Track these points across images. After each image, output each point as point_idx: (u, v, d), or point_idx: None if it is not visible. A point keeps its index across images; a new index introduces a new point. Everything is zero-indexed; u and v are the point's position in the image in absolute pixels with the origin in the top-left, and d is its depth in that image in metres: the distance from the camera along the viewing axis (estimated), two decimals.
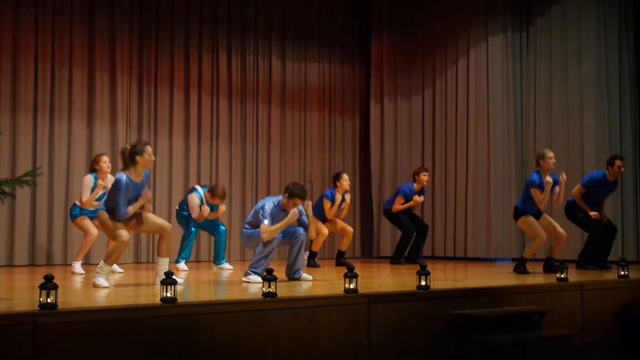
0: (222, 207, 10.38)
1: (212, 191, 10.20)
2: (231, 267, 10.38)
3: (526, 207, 9.09)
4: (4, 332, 4.73)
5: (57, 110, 11.21)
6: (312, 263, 10.58)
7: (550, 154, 9.09)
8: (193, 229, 10.33)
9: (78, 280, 8.30)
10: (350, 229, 11.19)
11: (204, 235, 11.85)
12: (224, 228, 10.55)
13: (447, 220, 13.04)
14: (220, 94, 12.69)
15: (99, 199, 9.32)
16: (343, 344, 6.08)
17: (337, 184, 10.99)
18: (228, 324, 5.59)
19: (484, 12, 12.70)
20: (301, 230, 8.05)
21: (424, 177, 11.51)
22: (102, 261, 7.23)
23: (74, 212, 9.46)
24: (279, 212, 7.94)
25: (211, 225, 10.46)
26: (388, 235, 13.46)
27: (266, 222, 7.76)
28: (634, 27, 11.38)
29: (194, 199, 10.22)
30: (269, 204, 7.92)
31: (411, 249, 11.61)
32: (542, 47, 12.09)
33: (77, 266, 9.34)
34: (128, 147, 7.45)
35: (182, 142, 12.29)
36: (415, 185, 11.47)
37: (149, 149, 7.38)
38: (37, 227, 11.00)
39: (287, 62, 13.45)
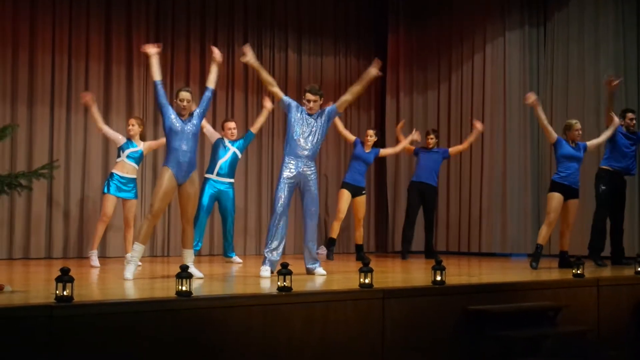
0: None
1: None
2: (240, 260, 10.42)
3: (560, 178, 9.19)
4: (20, 324, 4.75)
5: (73, 103, 11.25)
6: (329, 255, 10.67)
7: (578, 125, 9.43)
8: (204, 211, 10.22)
9: (94, 273, 8.34)
10: (360, 216, 11.18)
11: (217, 229, 11.85)
12: (233, 211, 10.53)
13: (462, 215, 13.00)
14: (236, 87, 12.69)
15: (132, 158, 9.47)
16: (357, 338, 6.08)
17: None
18: (243, 317, 5.60)
19: (500, 7, 12.64)
20: (315, 206, 8.11)
21: (430, 140, 11.65)
22: (135, 243, 7.33)
23: (106, 183, 9.51)
24: (304, 116, 8.14)
25: (224, 198, 10.40)
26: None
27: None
28: None
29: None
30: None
31: (425, 246, 11.68)
32: (559, 42, 12.02)
33: (94, 257, 9.35)
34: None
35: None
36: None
37: (180, 93, 7.55)
38: (54, 219, 11.06)
39: (304, 55, 13.44)
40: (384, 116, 14.07)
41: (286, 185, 7.96)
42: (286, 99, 8.17)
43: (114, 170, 9.54)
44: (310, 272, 8.08)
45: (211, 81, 7.75)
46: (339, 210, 10.92)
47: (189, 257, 7.49)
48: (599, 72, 11.42)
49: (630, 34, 11.25)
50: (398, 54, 13.92)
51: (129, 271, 7.19)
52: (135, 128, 9.56)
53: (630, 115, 9.94)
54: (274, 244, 7.88)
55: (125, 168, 9.52)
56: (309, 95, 8.10)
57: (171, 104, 7.56)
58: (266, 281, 7.27)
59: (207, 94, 7.68)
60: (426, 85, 13.70)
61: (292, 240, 12.75)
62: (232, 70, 12.68)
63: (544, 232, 9.18)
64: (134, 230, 9.43)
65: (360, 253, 11.09)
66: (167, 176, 7.37)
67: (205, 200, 10.26)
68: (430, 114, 13.60)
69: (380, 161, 13.96)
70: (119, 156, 9.56)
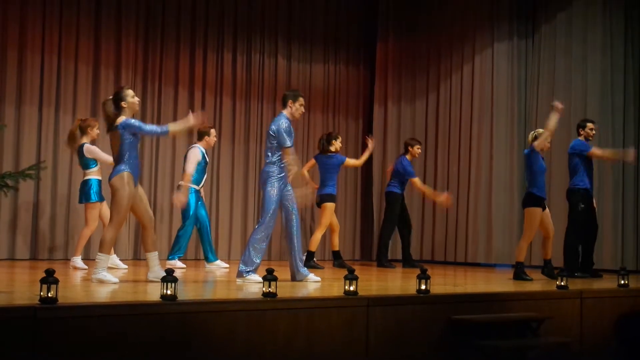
0: None
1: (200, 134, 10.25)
2: (227, 265, 10.36)
3: (539, 191, 9.09)
4: (4, 326, 4.73)
5: (62, 105, 11.24)
6: (312, 264, 10.47)
7: (591, 125, 9.76)
8: (191, 216, 10.11)
9: (79, 275, 8.32)
10: (337, 222, 11.16)
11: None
12: (208, 219, 10.47)
13: (449, 224, 13.02)
14: (224, 92, 12.70)
15: (95, 163, 9.37)
16: (341, 346, 6.09)
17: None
18: (227, 322, 5.59)
19: (489, 18, 12.69)
20: (296, 210, 8.00)
21: (418, 150, 11.50)
22: (99, 253, 7.21)
23: (93, 191, 9.35)
24: (290, 127, 8.03)
25: (201, 208, 10.32)
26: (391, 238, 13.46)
27: (288, 143, 7.86)
28: None
29: (195, 152, 10.09)
30: (282, 123, 7.93)
31: (404, 251, 11.60)
32: (547, 54, 12.06)
33: (78, 261, 9.34)
34: (110, 98, 7.45)
35: (185, 140, 12.27)
36: (408, 157, 11.46)
37: (129, 91, 7.34)
38: (40, 221, 11.02)
39: (293, 62, 13.46)
40: (371, 125, 14.09)
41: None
42: (287, 130, 7.97)
43: (94, 177, 9.42)
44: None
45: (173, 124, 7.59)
46: (325, 222, 10.86)
47: (155, 260, 7.51)
48: (586, 84, 11.48)
49: (618, 46, 11.31)
50: (387, 62, 13.95)
51: (109, 276, 7.19)
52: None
53: (590, 125, 9.91)
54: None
55: (101, 173, 9.50)
56: (302, 100, 8.13)
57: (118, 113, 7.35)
58: (254, 286, 7.24)
59: (158, 129, 7.50)
60: (414, 95, 13.73)
61: (278, 247, 12.76)
62: (221, 76, 12.68)
63: (525, 249, 9.18)
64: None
65: (339, 260, 11.03)
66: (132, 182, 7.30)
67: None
68: (418, 123, 13.61)
69: (367, 170, 13.98)
70: (96, 163, 9.44)
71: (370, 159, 13.68)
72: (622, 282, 8.21)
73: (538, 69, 12.15)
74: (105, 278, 7.10)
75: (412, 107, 13.75)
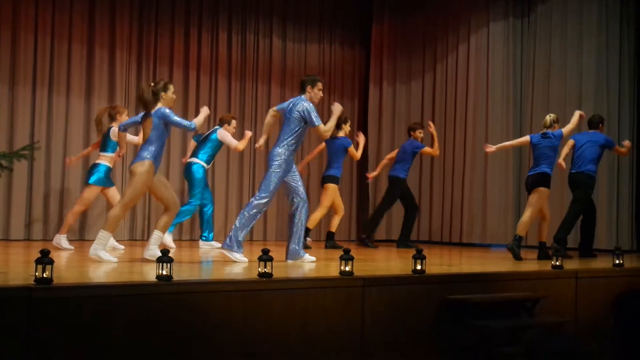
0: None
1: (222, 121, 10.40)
2: (218, 244, 10.34)
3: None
4: None
5: (55, 85, 11.20)
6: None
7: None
8: (198, 193, 10.09)
9: (74, 256, 8.30)
10: (342, 206, 11.15)
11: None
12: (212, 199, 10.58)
13: (444, 205, 13.05)
14: (219, 72, 12.66)
15: (112, 149, 9.35)
16: (337, 326, 6.09)
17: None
18: (223, 303, 5.59)
19: None
20: (304, 193, 7.94)
21: (420, 134, 11.47)
22: (102, 230, 7.22)
23: (97, 175, 9.38)
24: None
25: (207, 189, 10.37)
26: (383, 219, 13.45)
27: (320, 124, 7.78)
28: (635, 16, 11.31)
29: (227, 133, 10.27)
30: (309, 105, 7.81)
31: (403, 231, 11.57)
32: (543, 34, 12.04)
33: (63, 240, 9.35)
34: (152, 84, 7.55)
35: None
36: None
37: (172, 87, 7.52)
38: (34, 201, 11.00)
39: (288, 42, 13.41)
40: (366, 105, 14.07)
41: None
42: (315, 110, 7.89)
43: (104, 163, 9.44)
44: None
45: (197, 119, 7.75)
46: (335, 204, 10.96)
47: (158, 240, 7.58)
48: (581, 65, 11.46)
49: (613, 28, 11.28)
50: (382, 42, 13.92)
51: (107, 255, 7.26)
52: None
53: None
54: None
55: (113, 162, 9.58)
56: (321, 84, 8.00)
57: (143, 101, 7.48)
58: (241, 266, 7.24)
59: (186, 123, 7.53)
60: (410, 75, 13.71)
61: (274, 226, 12.78)
62: (216, 56, 12.63)
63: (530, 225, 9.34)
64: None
65: (331, 241, 11.04)
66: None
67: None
68: (414, 103, 13.61)
69: (363, 151, 13.94)
70: (113, 150, 9.41)
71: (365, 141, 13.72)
72: (617, 261, 8.22)
73: (534, 49, 12.13)
74: (104, 257, 7.11)
75: (408, 87, 13.73)
